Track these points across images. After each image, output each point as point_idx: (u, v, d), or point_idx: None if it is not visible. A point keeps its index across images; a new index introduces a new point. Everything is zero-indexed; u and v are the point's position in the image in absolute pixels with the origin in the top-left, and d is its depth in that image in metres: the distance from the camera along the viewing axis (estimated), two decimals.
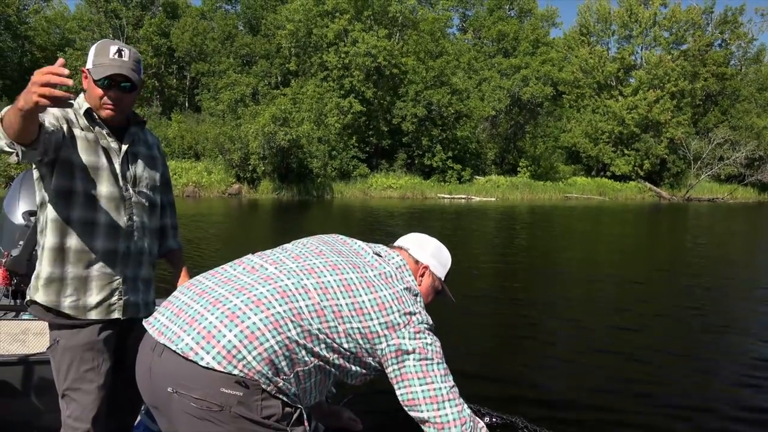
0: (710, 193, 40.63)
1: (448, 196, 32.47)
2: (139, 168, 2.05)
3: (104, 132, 1.98)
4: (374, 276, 1.69)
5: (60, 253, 1.91)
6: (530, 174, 37.69)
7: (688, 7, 44.71)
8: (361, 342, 1.60)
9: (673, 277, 8.96)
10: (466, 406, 1.64)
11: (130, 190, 2.01)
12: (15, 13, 33.34)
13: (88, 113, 1.96)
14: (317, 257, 1.70)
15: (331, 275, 1.64)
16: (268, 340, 1.48)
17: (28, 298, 1.96)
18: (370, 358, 1.63)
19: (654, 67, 41.28)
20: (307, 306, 1.55)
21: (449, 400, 1.61)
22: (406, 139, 34.39)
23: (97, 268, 1.95)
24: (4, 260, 2.94)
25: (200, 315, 1.52)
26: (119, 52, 1.92)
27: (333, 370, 1.62)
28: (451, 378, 1.64)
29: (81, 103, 1.97)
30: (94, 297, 1.95)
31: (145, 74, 36.78)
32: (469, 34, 46.96)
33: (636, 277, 8.98)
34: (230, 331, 1.47)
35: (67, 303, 1.92)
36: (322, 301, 1.57)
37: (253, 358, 1.46)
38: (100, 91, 1.92)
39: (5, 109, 1.63)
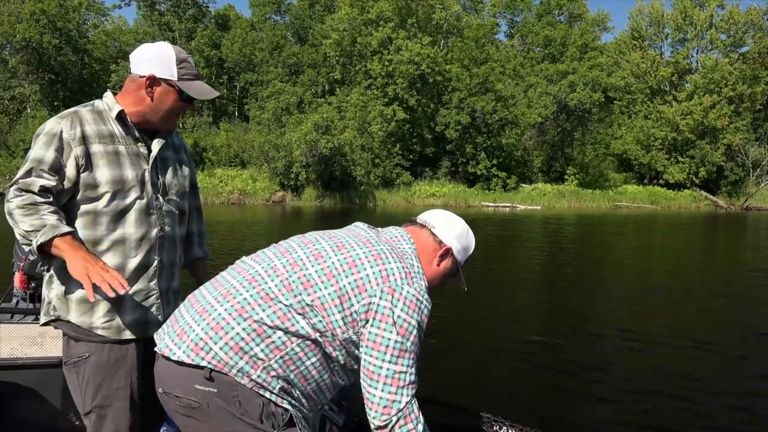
0: None
1: (492, 204, 32.04)
2: (168, 175, 1.94)
3: (134, 136, 1.87)
4: (350, 238, 1.60)
5: None
6: (578, 182, 36.79)
7: (747, 8, 42.84)
8: (335, 310, 1.48)
9: (732, 298, 8.28)
10: (409, 399, 1.48)
11: (160, 199, 1.90)
12: (75, 27, 34.97)
13: (120, 117, 1.85)
14: (298, 239, 1.65)
15: (302, 250, 1.58)
16: (233, 328, 1.46)
17: (51, 316, 1.84)
18: (351, 331, 1.50)
19: (710, 71, 39.71)
20: (276, 285, 1.50)
21: (385, 383, 1.46)
22: (450, 146, 34.18)
23: (131, 286, 1.84)
24: (22, 264, 2.99)
25: (181, 317, 1.56)
26: (195, 68, 1.90)
27: (321, 357, 1.51)
28: (404, 364, 1.47)
29: (111, 104, 1.86)
30: (128, 315, 1.85)
31: None
32: (515, 39, 46.37)
33: (692, 296, 8.43)
34: (198, 324, 1.49)
35: (100, 323, 1.83)
36: (290, 276, 1.51)
37: (220, 348, 1.45)
38: (178, 105, 1.86)
39: (49, 237, 1.64)
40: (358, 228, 1.71)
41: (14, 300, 3.16)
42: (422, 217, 1.75)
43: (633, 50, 43.82)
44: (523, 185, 35.33)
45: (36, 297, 3.04)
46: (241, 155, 33.04)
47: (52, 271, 1.85)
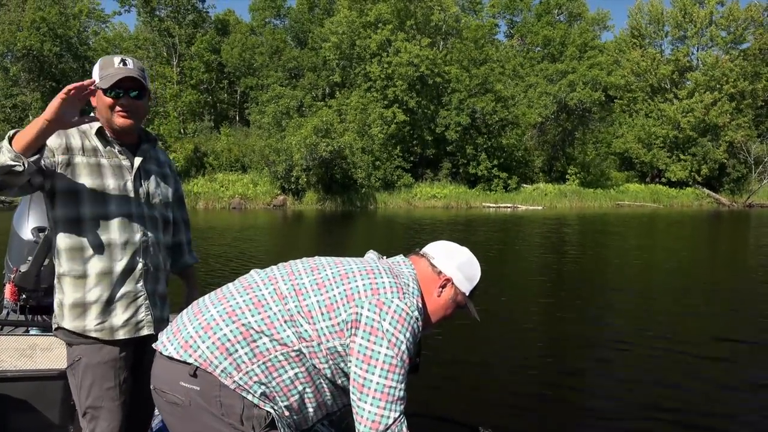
0: None
1: (494, 205, 31.99)
2: (151, 185, 2.05)
3: (116, 150, 1.97)
4: (351, 259, 1.67)
5: (81, 279, 1.92)
6: (579, 181, 36.73)
7: (747, 4, 42.74)
8: (321, 318, 1.50)
9: (738, 301, 8.08)
10: (397, 416, 1.48)
11: (143, 207, 2.00)
12: (76, 35, 35.06)
13: (100, 132, 1.96)
14: (304, 259, 1.70)
15: (302, 264, 1.65)
16: (221, 329, 1.51)
17: (55, 324, 1.97)
18: (338, 341, 1.49)
19: (711, 68, 39.63)
20: (269, 292, 1.56)
21: (374, 398, 1.46)
22: (451, 147, 34.14)
23: (119, 288, 1.95)
24: (12, 276, 2.99)
25: (180, 318, 1.63)
26: (123, 61, 1.93)
27: (305, 370, 1.52)
28: (394, 379, 1.47)
29: (92, 123, 1.97)
30: (119, 317, 1.95)
31: (197, 89, 38.03)
32: (515, 39, 46.35)
33: (695, 299, 8.26)
34: (191, 324, 1.56)
35: (92, 326, 1.92)
36: (284, 284, 1.57)
37: (207, 347, 1.50)
38: (109, 101, 1.91)
39: (16, 131, 1.70)
40: (367, 255, 1.76)
41: (4, 311, 3.17)
42: (424, 249, 1.76)
43: (633, 48, 43.75)
44: (525, 185, 35.28)
45: (26, 309, 3.05)
46: (242, 159, 33.04)
47: (57, 280, 1.98)
